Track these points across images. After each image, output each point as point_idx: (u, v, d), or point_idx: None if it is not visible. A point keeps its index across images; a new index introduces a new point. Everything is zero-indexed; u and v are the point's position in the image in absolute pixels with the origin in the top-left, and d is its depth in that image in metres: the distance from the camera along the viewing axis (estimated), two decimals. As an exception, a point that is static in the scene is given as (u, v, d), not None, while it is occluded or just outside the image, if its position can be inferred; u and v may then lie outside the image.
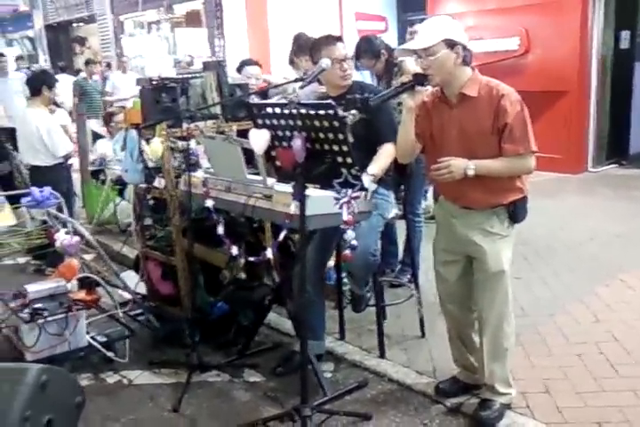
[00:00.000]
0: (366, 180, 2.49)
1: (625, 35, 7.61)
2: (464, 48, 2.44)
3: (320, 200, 2.58)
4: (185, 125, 3.20)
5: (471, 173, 2.41)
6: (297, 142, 2.40)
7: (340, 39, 3.16)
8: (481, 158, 2.43)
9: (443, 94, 2.53)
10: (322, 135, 2.40)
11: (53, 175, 4.76)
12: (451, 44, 2.41)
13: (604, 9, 7.25)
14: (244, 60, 5.04)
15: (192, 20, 12.67)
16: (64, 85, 8.23)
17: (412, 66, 3.60)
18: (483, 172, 2.42)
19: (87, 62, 10.21)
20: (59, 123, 5.22)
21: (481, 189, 2.48)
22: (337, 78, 3.15)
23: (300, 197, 2.46)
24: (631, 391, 2.80)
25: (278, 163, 2.61)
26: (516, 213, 2.54)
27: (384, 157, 3.03)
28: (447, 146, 2.51)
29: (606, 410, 2.69)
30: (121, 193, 5.75)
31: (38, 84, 4.89)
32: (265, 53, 10.10)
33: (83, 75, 10.07)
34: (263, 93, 4.22)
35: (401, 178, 3.39)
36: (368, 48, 4.14)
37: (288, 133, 2.50)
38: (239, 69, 4.80)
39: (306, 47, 4.38)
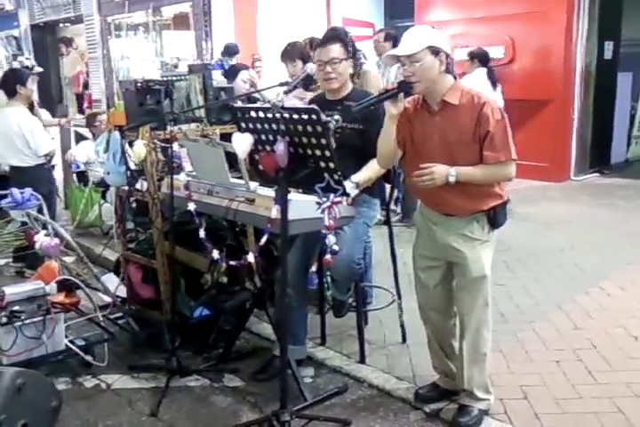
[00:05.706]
0: (348, 186, 2.49)
1: (608, 45, 7.72)
2: (447, 56, 2.46)
3: (302, 205, 2.58)
4: (169, 128, 3.18)
5: (452, 179, 2.43)
6: (280, 147, 2.40)
7: (333, 40, 3.08)
8: (461, 165, 2.45)
9: (424, 102, 2.55)
10: (305, 140, 2.40)
11: (34, 176, 4.69)
12: (435, 52, 2.43)
13: (588, 20, 7.36)
14: (233, 65, 4.95)
15: (180, 22, 12.64)
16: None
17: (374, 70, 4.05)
18: (464, 178, 2.44)
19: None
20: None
21: (461, 195, 2.49)
22: (321, 81, 3.17)
23: (282, 201, 2.46)
24: (608, 398, 2.82)
25: (261, 167, 2.61)
26: (495, 218, 2.56)
27: (372, 168, 3.01)
28: (428, 153, 2.52)
29: (584, 417, 2.71)
30: (103, 195, 5.70)
31: (11, 85, 4.76)
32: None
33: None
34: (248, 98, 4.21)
35: (387, 182, 3.39)
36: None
37: (271, 137, 2.50)
38: (233, 75, 4.72)
39: (292, 53, 4.41)
